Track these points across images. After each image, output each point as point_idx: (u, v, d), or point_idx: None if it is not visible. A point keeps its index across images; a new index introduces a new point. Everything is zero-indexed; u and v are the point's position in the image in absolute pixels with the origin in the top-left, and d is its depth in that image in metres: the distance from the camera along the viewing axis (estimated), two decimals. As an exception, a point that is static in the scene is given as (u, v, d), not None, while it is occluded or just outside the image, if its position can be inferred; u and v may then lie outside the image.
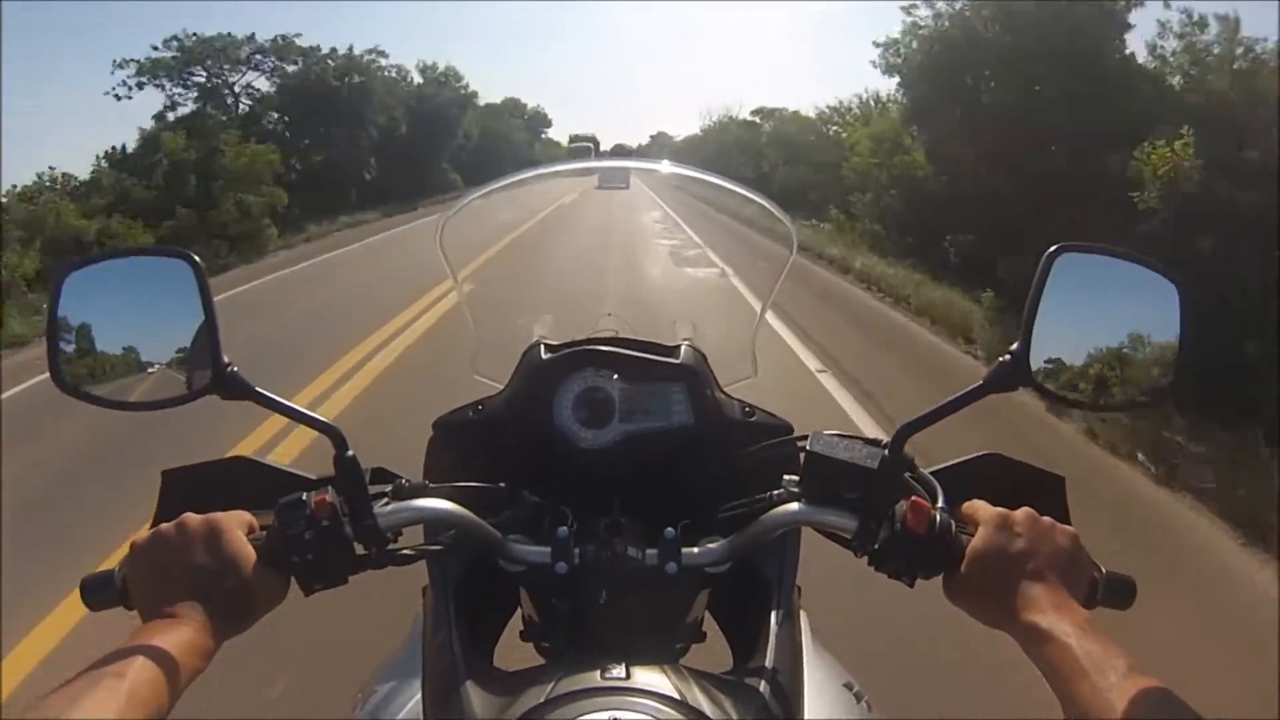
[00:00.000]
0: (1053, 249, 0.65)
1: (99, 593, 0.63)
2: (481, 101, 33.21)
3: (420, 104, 25.39)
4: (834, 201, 14.14)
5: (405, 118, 23.54)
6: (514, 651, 0.82)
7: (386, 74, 23.93)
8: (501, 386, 0.89)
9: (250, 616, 0.61)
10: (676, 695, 0.59)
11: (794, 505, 0.71)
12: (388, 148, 22.38)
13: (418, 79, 27.11)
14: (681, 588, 0.77)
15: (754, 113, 30.30)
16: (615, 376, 0.84)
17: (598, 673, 0.60)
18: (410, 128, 23.71)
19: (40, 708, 0.48)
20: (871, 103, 15.69)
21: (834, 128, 18.04)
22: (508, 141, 40.35)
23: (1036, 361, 0.65)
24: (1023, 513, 0.64)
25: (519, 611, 0.86)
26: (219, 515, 0.63)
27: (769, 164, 20.62)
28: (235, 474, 0.74)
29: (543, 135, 65.16)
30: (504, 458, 0.83)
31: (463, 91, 29.16)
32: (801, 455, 0.72)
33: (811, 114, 21.63)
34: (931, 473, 0.72)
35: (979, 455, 0.76)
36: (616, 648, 0.64)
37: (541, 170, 1.12)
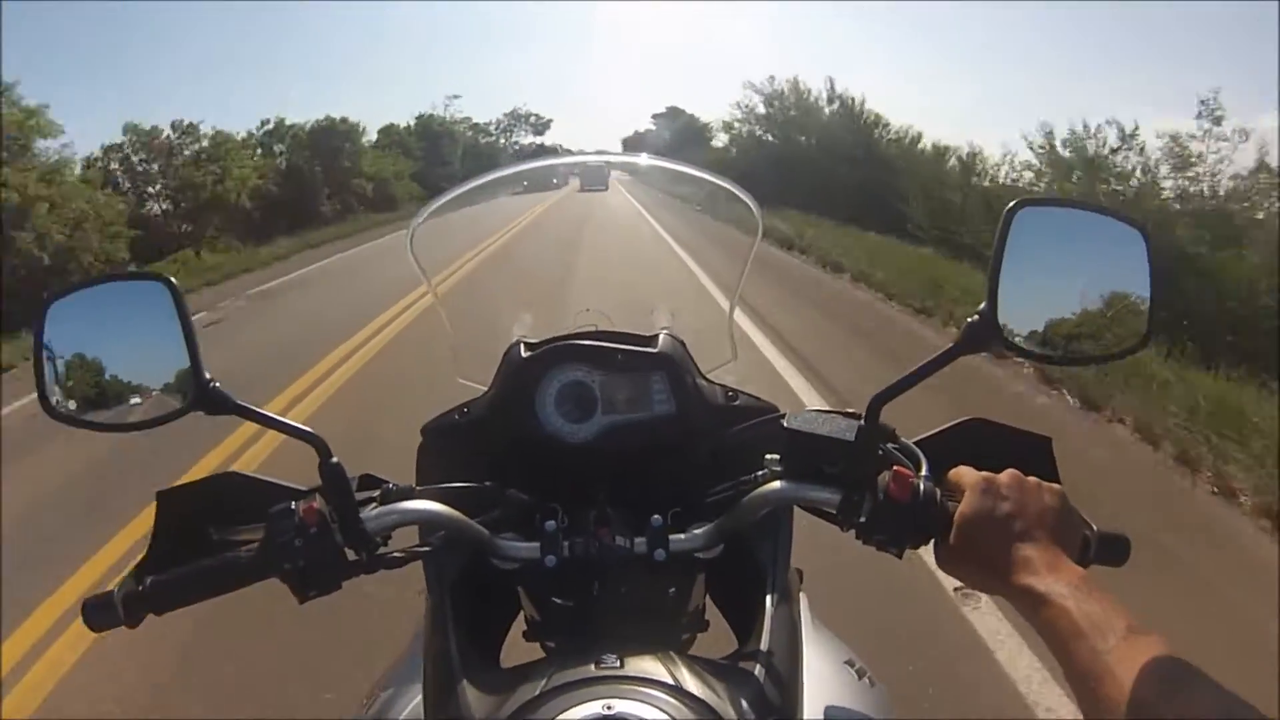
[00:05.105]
0: (1012, 204, 0.64)
1: (100, 614, 0.64)
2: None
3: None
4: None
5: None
6: (522, 654, 0.81)
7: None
8: (485, 388, 0.89)
9: None
10: (671, 681, 0.59)
11: (776, 484, 0.71)
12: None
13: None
14: (675, 575, 0.77)
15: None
16: (595, 370, 0.84)
17: (592, 664, 0.60)
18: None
19: None
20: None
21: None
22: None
23: (1006, 319, 0.64)
24: (1007, 474, 0.63)
25: (523, 613, 0.86)
26: None
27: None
28: (226, 489, 0.74)
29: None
30: (493, 458, 0.82)
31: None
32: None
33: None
34: (915, 442, 0.72)
35: (962, 421, 0.75)
36: (617, 641, 0.64)
37: (508, 171, 1.09)
